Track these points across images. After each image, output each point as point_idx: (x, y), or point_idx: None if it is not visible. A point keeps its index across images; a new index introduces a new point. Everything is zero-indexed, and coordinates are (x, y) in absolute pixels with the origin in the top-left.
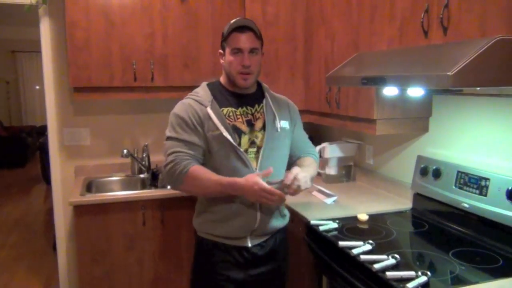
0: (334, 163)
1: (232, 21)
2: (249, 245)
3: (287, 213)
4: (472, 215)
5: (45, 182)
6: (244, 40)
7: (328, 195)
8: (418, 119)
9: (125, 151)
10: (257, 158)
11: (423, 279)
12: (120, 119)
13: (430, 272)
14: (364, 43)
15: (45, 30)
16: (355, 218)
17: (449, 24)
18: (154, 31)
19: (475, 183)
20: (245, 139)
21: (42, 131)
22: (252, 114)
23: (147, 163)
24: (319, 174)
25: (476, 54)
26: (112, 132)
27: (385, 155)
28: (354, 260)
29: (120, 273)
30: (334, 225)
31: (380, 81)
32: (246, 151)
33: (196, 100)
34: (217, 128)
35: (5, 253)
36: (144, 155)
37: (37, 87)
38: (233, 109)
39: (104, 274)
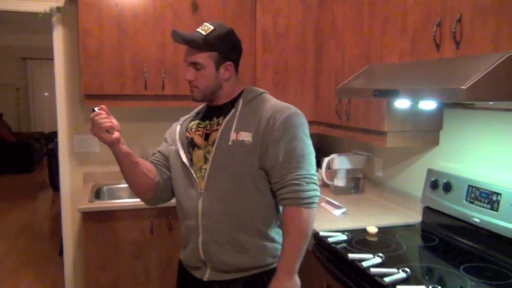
0: (342, 175)
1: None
2: (205, 278)
3: (251, 248)
4: (483, 230)
5: (52, 188)
6: (186, 53)
7: (337, 207)
8: (429, 132)
9: None
10: (203, 177)
11: None
12: (130, 126)
13: (441, 287)
14: (375, 55)
15: (58, 38)
16: (364, 231)
17: (462, 38)
18: (166, 40)
19: (486, 197)
20: (198, 154)
21: (50, 137)
22: (211, 126)
23: None
24: (327, 185)
25: (490, 69)
26: (122, 139)
27: (395, 168)
28: (364, 273)
29: (127, 281)
30: (343, 237)
31: (393, 94)
32: (200, 168)
33: (181, 118)
34: (176, 144)
35: (13, 257)
36: None
37: (46, 93)
38: (199, 122)
39: (111, 282)
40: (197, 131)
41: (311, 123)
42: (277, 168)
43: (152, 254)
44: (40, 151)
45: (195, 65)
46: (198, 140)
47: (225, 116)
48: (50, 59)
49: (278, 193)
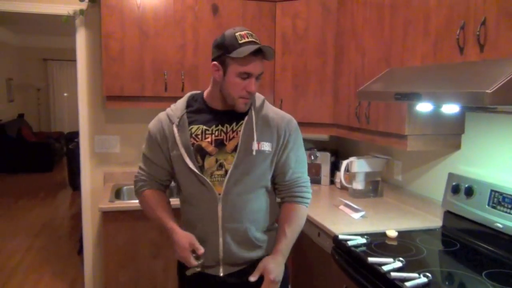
0: (361, 178)
1: (240, 32)
2: (221, 274)
3: (264, 242)
4: (505, 236)
5: (71, 188)
6: (256, 66)
7: (356, 210)
8: (450, 136)
9: None
10: (223, 182)
11: None
12: None
13: None
14: (396, 58)
15: (81, 40)
16: (383, 234)
17: (486, 41)
18: (186, 42)
19: (510, 203)
20: (210, 161)
21: (69, 137)
22: (226, 133)
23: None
24: (345, 188)
25: None
26: (141, 140)
27: (414, 172)
28: (384, 277)
29: (146, 280)
30: (363, 240)
31: (415, 97)
32: (212, 174)
33: (168, 114)
34: (178, 149)
35: (33, 255)
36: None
37: (65, 94)
38: (205, 127)
39: (130, 281)
40: (205, 138)
41: (330, 125)
42: (291, 172)
43: (171, 254)
44: (60, 151)
45: (259, 75)
46: (209, 148)
47: (237, 122)
48: (70, 60)
49: (289, 192)
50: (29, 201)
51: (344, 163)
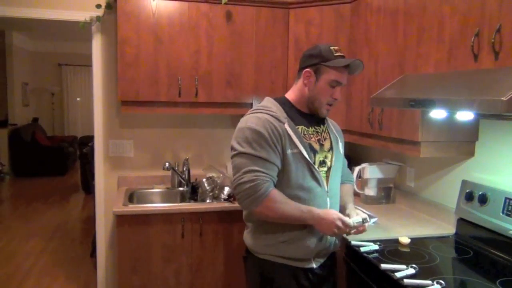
0: (373, 184)
1: (334, 47)
2: (314, 266)
3: None
4: None
5: (83, 192)
6: (345, 76)
7: (369, 216)
8: (464, 143)
9: (167, 164)
10: (327, 177)
11: None
12: (163, 132)
13: None
14: (409, 65)
15: (97, 45)
16: (396, 241)
17: (501, 48)
18: (200, 49)
19: None
20: (318, 158)
21: (83, 141)
22: (321, 134)
23: (187, 177)
24: (357, 194)
25: None
26: (155, 145)
27: (427, 178)
28: (397, 284)
29: (158, 284)
30: (375, 247)
31: (429, 104)
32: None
33: (272, 116)
34: (296, 147)
35: (46, 258)
36: (184, 169)
37: (78, 99)
38: (305, 128)
39: (142, 284)
40: (311, 137)
41: (343, 131)
42: (344, 170)
43: (183, 259)
44: (73, 155)
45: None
46: (316, 146)
47: (319, 125)
48: (84, 65)
49: (345, 177)
50: (43, 204)
51: (357, 169)
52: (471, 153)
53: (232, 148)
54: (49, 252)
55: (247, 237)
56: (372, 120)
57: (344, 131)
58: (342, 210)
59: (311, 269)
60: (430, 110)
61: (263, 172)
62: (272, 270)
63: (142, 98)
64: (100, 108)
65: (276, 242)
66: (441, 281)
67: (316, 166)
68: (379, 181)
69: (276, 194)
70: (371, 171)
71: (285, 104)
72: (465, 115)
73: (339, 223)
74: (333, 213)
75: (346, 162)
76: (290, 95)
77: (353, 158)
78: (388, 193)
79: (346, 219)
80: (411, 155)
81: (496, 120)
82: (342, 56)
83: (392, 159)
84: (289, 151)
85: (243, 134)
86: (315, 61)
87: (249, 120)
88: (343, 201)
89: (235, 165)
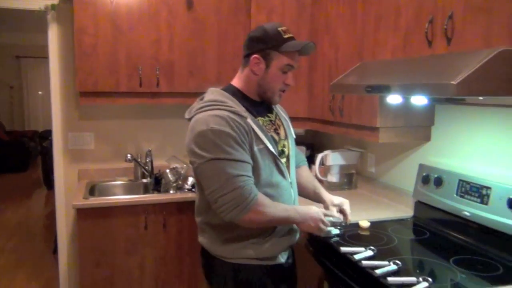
0: (336, 171)
1: (282, 28)
2: (283, 260)
3: None
4: (473, 224)
5: (46, 187)
6: (298, 59)
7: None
8: (421, 128)
9: (129, 155)
10: (288, 168)
11: (424, 285)
12: (124, 124)
13: (431, 278)
14: (368, 52)
15: (53, 35)
16: (356, 225)
17: (453, 34)
18: (161, 37)
19: (477, 191)
20: (278, 149)
21: (44, 136)
22: (275, 122)
23: (150, 168)
24: (320, 181)
25: (480, 64)
26: (116, 136)
27: (387, 164)
28: (356, 266)
29: (121, 277)
30: (336, 231)
31: (385, 89)
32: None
33: (232, 112)
34: (262, 142)
35: (5, 257)
36: (147, 160)
37: (40, 92)
38: (262, 118)
39: (105, 278)
40: (269, 128)
41: (305, 119)
42: (296, 151)
43: (147, 251)
44: (34, 149)
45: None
46: (276, 136)
47: (271, 112)
48: (45, 57)
49: (299, 159)
50: (3, 202)
51: (319, 157)
52: (427, 138)
53: (196, 155)
54: (9, 251)
55: (211, 243)
56: (333, 107)
57: (307, 119)
58: (314, 197)
59: (281, 264)
60: (386, 96)
61: (246, 176)
62: (247, 273)
63: (102, 89)
64: (58, 100)
65: (248, 243)
66: (397, 261)
67: (280, 159)
68: (342, 167)
69: (263, 197)
70: (334, 158)
71: (236, 94)
72: (419, 100)
73: (323, 217)
74: (314, 208)
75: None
76: (238, 83)
77: (317, 145)
78: (350, 179)
79: (328, 212)
80: (371, 141)
81: (450, 105)
82: (292, 38)
83: (354, 145)
84: (255, 148)
85: (207, 138)
86: (263, 45)
87: (209, 121)
88: (312, 188)
89: (208, 174)
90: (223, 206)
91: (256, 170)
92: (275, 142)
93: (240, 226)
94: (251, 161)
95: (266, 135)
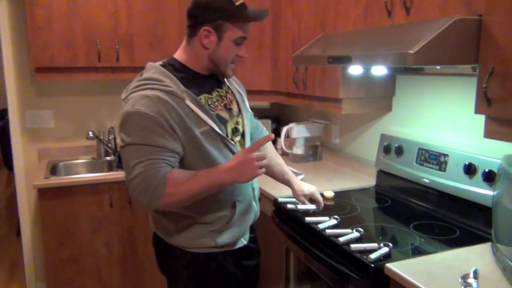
0: (301, 143)
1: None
2: (245, 243)
3: None
4: (432, 190)
5: (6, 168)
6: (248, 30)
7: (295, 174)
8: (382, 98)
9: (90, 133)
10: (243, 146)
11: (385, 250)
12: (84, 100)
13: (392, 243)
14: (330, 23)
15: (3, 8)
16: (321, 195)
17: (412, 4)
18: (118, 9)
19: (435, 159)
20: (230, 128)
21: (1, 115)
22: (225, 97)
23: (113, 145)
24: (286, 154)
25: (436, 33)
26: (77, 114)
27: (351, 135)
28: (320, 235)
29: (88, 256)
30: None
31: (346, 60)
32: (234, 143)
33: (166, 92)
34: (206, 123)
35: None
36: (110, 137)
37: None
38: (208, 95)
39: (71, 258)
40: (217, 105)
41: (269, 92)
42: (255, 121)
43: (113, 228)
44: None
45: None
46: (225, 114)
47: (220, 86)
48: None
49: (258, 132)
50: None
51: (284, 129)
52: (388, 108)
53: (121, 138)
54: None
55: (167, 233)
56: (297, 80)
57: (271, 92)
58: (282, 181)
59: (244, 246)
60: (348, 67)
61: (154, 159)
62: (208, 260)
63: (58, 64)
64: (12, 77)
65: (207, 232)
66: (360, 228)
67: (229, 139)
68: (307, 139)
69: (175, 175)
70: (299, 131)
71: (178, 70)
72: (379, 70)
73: (253, 156)
74: (240, 152)
75: (252, 114)
76: (182, 57)
77: (282, 118)
78: (315, 151)
79: (249, 148)
80: (334, 112)
81: (410, 75)
82: (244, 4)
83: (318, 118)
84: (197, 131)
85: (130, 120)
86: (214, 15)
87: (137, 101)
88: (279, 171)
89: (123, 159)
90: (133, 193)
91: (204, 155)
92: (222, 122)
93: (192, 213)
94: (177, 149)
95: (209, 115)
